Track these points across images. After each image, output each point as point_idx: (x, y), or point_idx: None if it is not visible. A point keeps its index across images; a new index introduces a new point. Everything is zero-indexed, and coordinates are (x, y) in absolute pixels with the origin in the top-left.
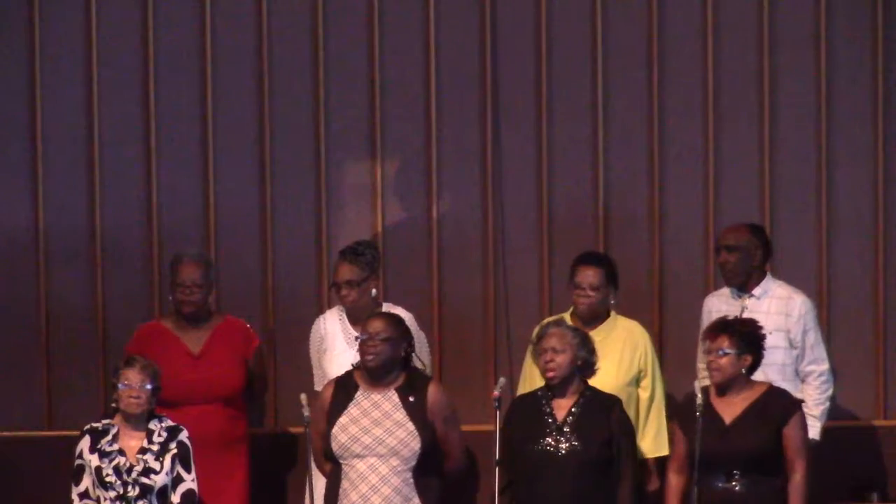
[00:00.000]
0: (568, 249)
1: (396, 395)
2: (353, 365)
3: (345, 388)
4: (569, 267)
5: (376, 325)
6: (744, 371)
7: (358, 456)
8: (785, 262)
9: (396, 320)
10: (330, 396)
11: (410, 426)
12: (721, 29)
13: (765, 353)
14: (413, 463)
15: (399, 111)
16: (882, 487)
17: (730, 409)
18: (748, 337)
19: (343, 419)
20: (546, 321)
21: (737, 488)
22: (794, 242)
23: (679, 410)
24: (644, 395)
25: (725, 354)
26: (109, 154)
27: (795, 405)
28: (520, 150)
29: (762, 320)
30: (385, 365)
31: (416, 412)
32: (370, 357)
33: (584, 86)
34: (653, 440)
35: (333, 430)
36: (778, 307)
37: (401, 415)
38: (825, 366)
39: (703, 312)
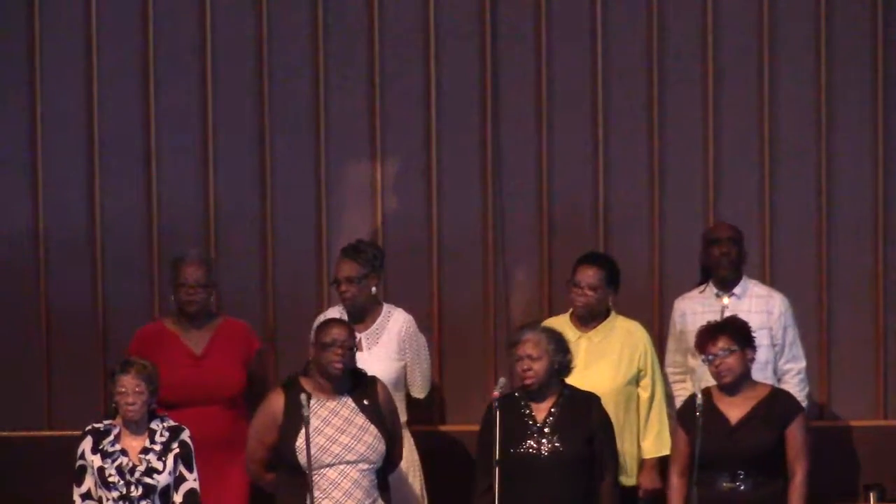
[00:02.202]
0: (568, 249)
1: (351, 399)
2: (298, 373)
3: (296, 397)
4: (569, 267)
5: (340, 333)
6: (748, 365)
7: (328, 465)
8: (785, 263)
9: (352, 328)
10: (282, 406)
11: (374, 430)
12: (721, 29)
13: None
14: (379, 464)
15: (399, 111)
16: (882, 487)
17: (735, 409)
18: (744, 332)
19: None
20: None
21: (741, 488)
22: (794, 243)
23: (681, 412)
24: (644, 394)
25: (731, 352)
26: (109, 154)
27: (798, 407)
28: (520, 150)
29: (744, 319)
30: (347, 371)
31: (375, 414)
32: (339, 366)
33: (584, 86)
34: (654, 440)
35: (298, 443)
36: (758, 306)
37: (361, 419)
38: (802, 363)
39: (675, 315)
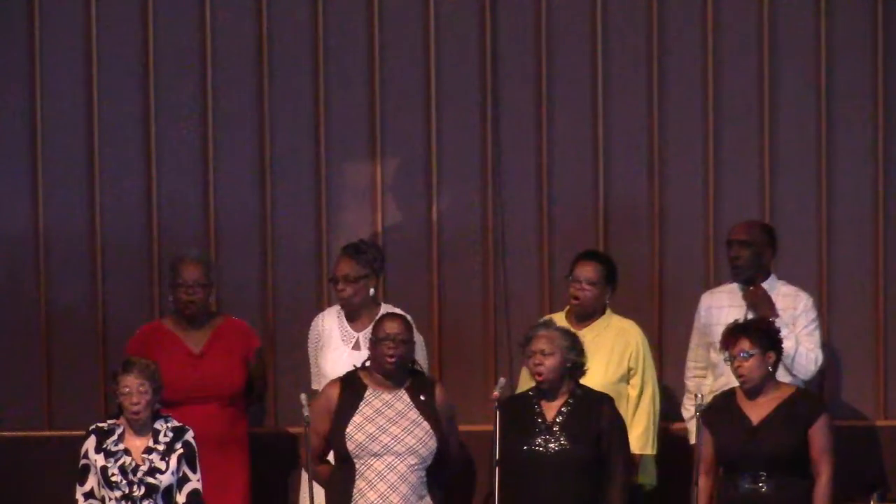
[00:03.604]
0: (568, 249)
1: (406, 394)
2: (354, 365)
3: (352, 387)
4: (569, 266)
5: (394, 327)
6: (770, 369)
7: (375, 455)
8: (785, 262)
9: (408, 321)
10: (337, 396)
11: (426, 425)
12: (721, 29)
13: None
14: (430, 462)
15: (399, 111)
16: (882, 487)
17: (757, 410)
18: (766, 334)
19: (357, 418)
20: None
21: (763, 489)
22: (794, 242)
23: (707, 411)
24: (632, 392)
25: (750, 356)
26: (109, 154)
27: (822, 407)
28: (520, 150)
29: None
30: (401, 366)
31: (429, 411)
32: (392, 359)
33: (584, 86)
34: (638, 438)
35: (348, 430)
36: (784, 303)
37: (415, 414)
38: (819, 352)
39: (701, 309)
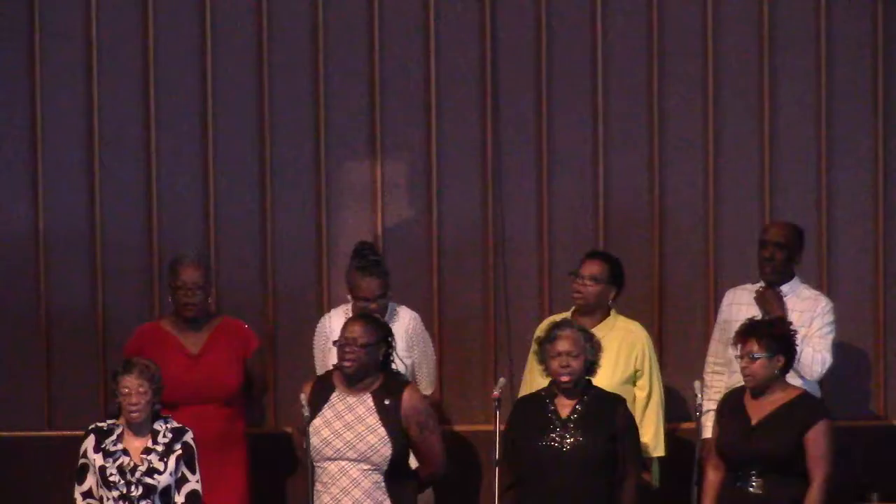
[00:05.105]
0: (568, 250)
1: (371, 398)
2: (333, 365)
3: (322, 387)
4: (569, 267)
5: (355, 330)
6: (777, 372)
7: (329, 458)
8: None
9: (376, 324)
10: (308, 395)
11: (382, 431)
12: (721, 28)
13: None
14: (385, 468)
15: (399, 111)
16: (882, 487)
17: (759, 410)
18: (779, 337)
19: (317, 421)
20: (552, 321)
21: (750, 489)
22: None
23: (719, 407)
24: (640, 394)
25: (756, 359)
26: (109, 154)
27: (822, 412)
28: (520, 150)
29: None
30: (361, 370)
31: (390, 417)
32: (347, 363)
33: (584, 86)
34: (650, 440)
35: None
36: (803, 306)
37: (373, 419)
38: (828, 357)
39: (723, 305)
